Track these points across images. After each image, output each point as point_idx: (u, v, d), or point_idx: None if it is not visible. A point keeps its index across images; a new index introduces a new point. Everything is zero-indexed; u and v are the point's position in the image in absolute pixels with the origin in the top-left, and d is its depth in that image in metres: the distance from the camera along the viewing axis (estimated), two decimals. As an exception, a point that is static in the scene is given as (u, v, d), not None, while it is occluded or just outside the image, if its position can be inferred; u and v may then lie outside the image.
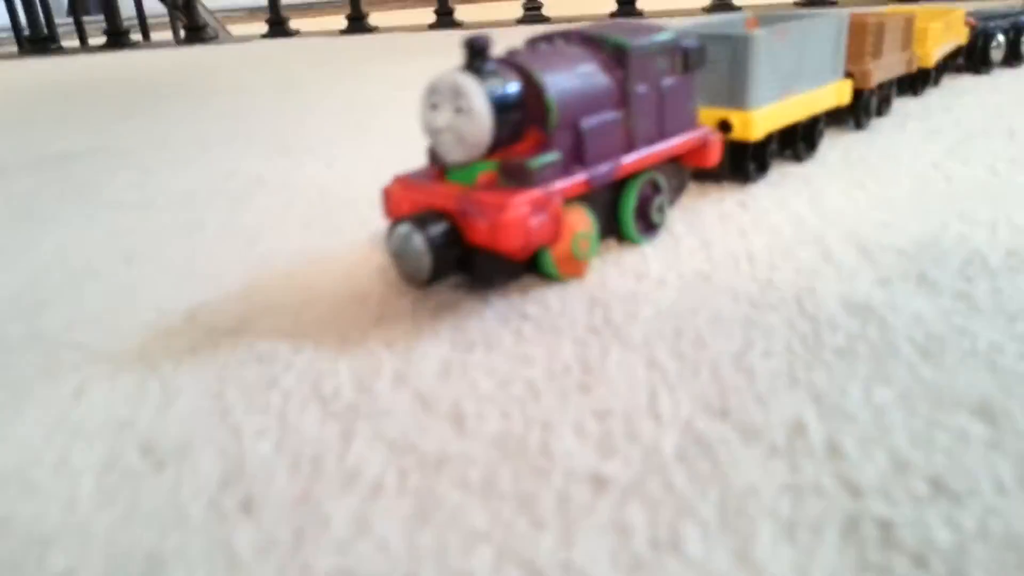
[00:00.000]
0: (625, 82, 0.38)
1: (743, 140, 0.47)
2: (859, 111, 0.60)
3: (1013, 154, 0.52)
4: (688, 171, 0.44)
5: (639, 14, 1.81)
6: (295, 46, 1.79)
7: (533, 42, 0.39)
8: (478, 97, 0.33)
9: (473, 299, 0.36)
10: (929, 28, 0.70)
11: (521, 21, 1.92)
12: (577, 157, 0.36)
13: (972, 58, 0.83)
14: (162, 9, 2.41)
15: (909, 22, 0.66)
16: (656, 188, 0.41)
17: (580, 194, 0.36)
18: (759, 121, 0.47)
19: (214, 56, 1.70)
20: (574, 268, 0.37)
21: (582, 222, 0.37)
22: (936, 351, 0.29)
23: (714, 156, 0.43)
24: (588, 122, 0.36)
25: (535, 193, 0.34)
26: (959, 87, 0.77)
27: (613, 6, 1.87)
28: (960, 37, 0.80)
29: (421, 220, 0.34)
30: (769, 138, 0.50)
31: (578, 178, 0.36)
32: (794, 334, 0.31)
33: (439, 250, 0.33)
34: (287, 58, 1.56)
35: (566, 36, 0.39)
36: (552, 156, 0.35)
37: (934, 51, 0.71)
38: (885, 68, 0.62)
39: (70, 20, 2.54)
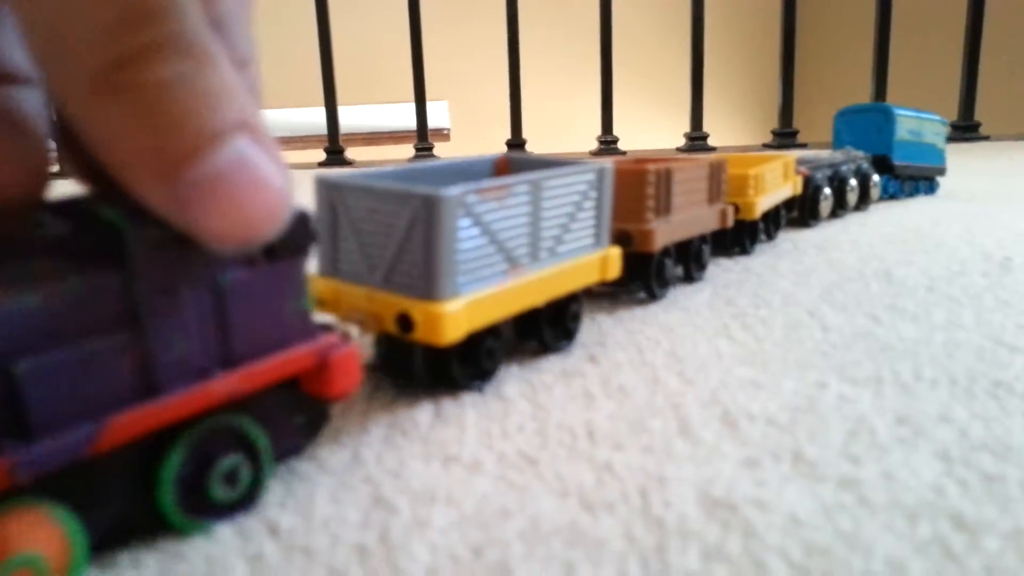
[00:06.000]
0: (132, 285, 0.22)
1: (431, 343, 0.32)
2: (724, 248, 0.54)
3: (892, 299, 0.48)
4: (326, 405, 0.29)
5: (620, 152, 1.77)
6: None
7: None
8: None
9: None
10: (750, 175, 0.59)
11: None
12: (7, 424, 0.20)
13: (802, 210, 0.76)
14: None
15: (716, 169, 0.53)
16: (233, 442, 0.25)
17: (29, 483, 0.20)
18: (452, 317, 0.31)
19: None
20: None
21: (26, 538, 0.20)
22: (818, 573, 0.21)
23: (341, 381, 0.27)
24: (31, 363, 0.20)
25: None
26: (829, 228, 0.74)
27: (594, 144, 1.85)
28: (794, 186, 0.72)
29: None
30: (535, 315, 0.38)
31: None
32: (632, 551, 0.23)
33: None
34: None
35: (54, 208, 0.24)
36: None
37: (758, 201, 0.60)
38: (679, 226, 0.50)
39: None
